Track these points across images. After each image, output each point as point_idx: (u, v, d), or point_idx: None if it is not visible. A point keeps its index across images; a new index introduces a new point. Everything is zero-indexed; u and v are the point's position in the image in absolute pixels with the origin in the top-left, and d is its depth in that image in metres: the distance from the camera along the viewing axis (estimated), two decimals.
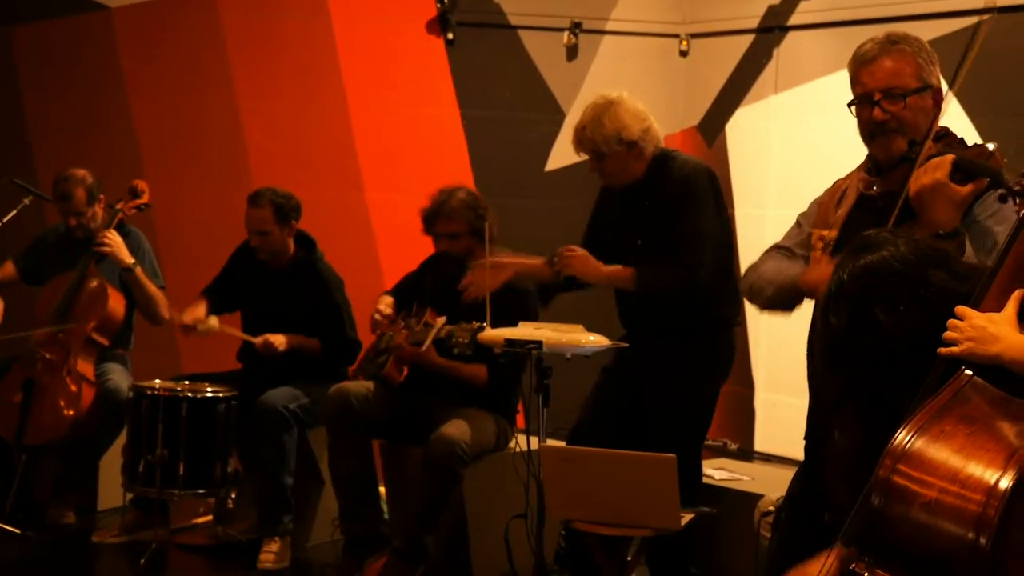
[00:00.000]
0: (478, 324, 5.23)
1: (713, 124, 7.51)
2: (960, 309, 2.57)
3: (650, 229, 5.19)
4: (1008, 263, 2.59)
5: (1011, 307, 2.55)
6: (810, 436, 3.72)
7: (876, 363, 2.66)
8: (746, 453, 6.91)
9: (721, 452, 6.68)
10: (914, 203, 3.22)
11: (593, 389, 5.37)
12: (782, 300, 3.71)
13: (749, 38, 7.30)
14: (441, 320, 5.53)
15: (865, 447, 2.59)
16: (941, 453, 2.38)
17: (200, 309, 6.29)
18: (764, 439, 7.04)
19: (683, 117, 7.59)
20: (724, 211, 5.28)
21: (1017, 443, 2.35)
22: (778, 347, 6.87)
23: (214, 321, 6.25)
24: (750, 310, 6.27)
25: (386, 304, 5.97)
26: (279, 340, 6.12)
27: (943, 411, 2.46)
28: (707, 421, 5.34)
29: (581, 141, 5.22)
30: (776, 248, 3.84)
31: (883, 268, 2.68)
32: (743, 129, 7.34)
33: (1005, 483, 2.28)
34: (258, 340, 6.12)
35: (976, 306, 2.58)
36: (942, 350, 2.56)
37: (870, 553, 2.46)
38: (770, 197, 7.09)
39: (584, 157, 5.31)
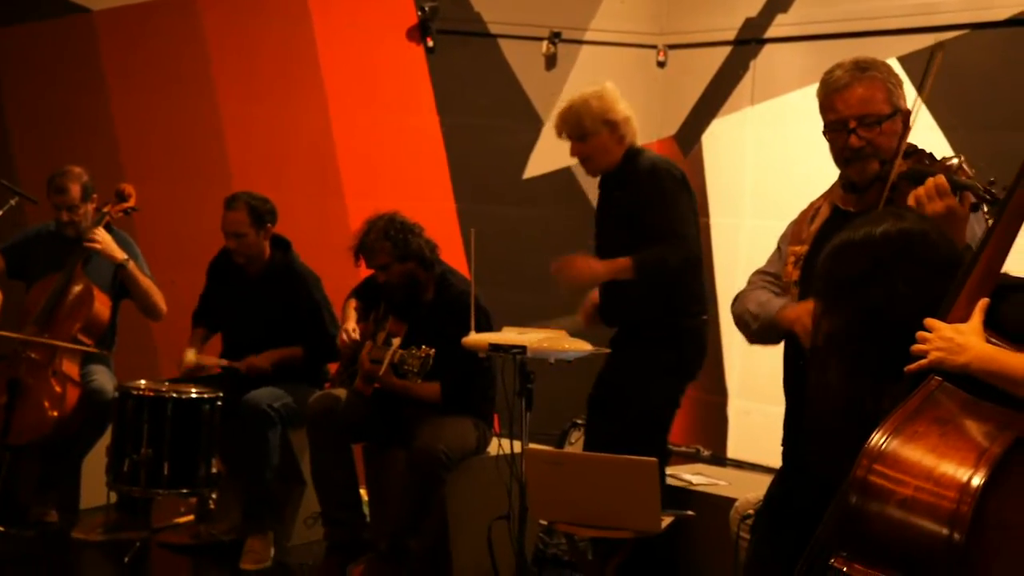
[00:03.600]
0: (427, 350, 5.36)
1: (689, 134, 7.60)
2: (929, 321, 2.67)
3: (615, 218, 5.32)
4: (976, 273, 2.69)
5: (977, 317, 2.65)
6: (787, 441, 3.81)
7: (874, 318, 2.79)
8: (719, 460, 6.98)
9: (694, 459, 6.76)
10: None
11: None
12: (766, 335, 3.78)
13: (726, 50, 7.39)
14: (396, 342, 5.66)
15: (852, 391, 2.77)
16: (915, 453, 2.48)
17: (195, 344, 6.44)
18: (737, 446, 7.12)
19: (660, 127, 7.68)
20: (692, 209, 5.38)
21: (986, 443, 2.46)
22: (751, 355, 6.90)
23: (191, 356, 6.33)
24: (724, 320, 6.39)
25: (352, 327, 6.01)
26: (262, 361, 6.22)
27: (916, 413, 2.56)
28: (666, 421, 5.44)
29: (566, 120, 5.33)
30: (760, 274, 3.91)
31: (923, 241, 2.82)
32: (719, 139, 7.44)
33: (977, 480, 2.39)
34: (242, 365, 6.23)
35: (945, 315, 2.68)
36: (911, 367, 2.66)
37: (849, 549, 2.56)
38: (746, 207, 7.18)
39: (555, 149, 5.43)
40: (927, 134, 5.76)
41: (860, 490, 2.52)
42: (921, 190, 3.25)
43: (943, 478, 2.42)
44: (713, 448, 7.10)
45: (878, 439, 2.53)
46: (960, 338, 2.61)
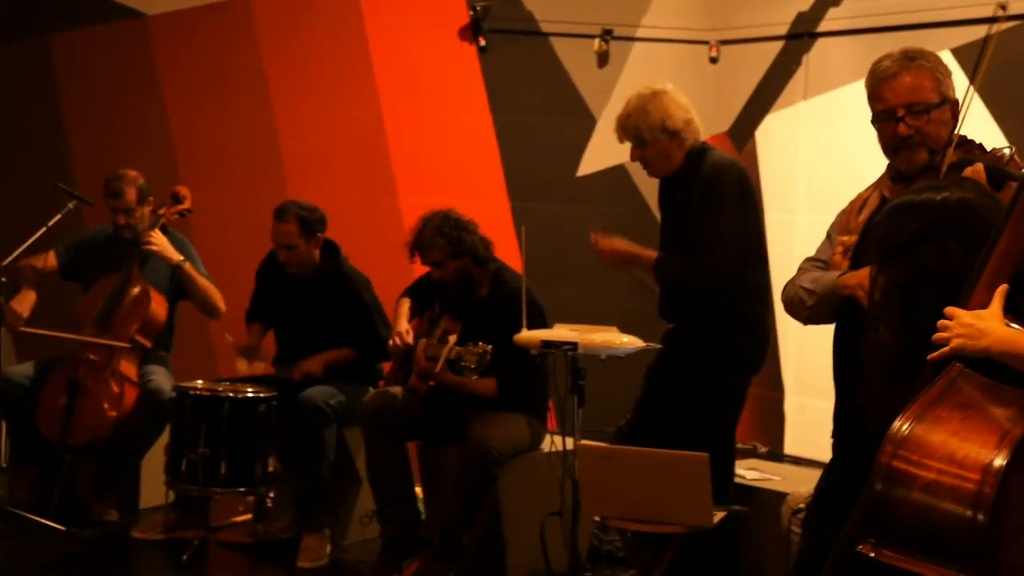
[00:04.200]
0: (484, 346, 5.37)
1: (743, 130, 7.58)
2: (949, 309, 2.71)
3: (678, 220, 5.29)
4: (993, 259, 2.71)
5: (997, 303, 2.67)
6: (838, 434, 3.80)
7: (924, 279, 2.86)
8: (776, 455, 6.96)
9: (751, 455, 6.74)
10: None
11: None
12: (823, 308, 3.73)
13: (779, 44, 7.37)
14: (452, 339, 5.68)
15: (901, 347, 2.82)
16: (938, 437, 2.52)
17: (253, 339, 6.54)
18: (793, 442, 7.09)
19: (713, 123, 7.63)
20: (753, 207, 5.35)
21: (1008, 425, 2.49)
22: (807, 351, 6.92)
23: (243, 365, 6.44)
24: (779, 316, 6.36)
25: (405, 328, 6.00)
26: (315, 366, 6.27)
27: (938, 399, 2.60)
28: (731, 415, 5.37)
29: (625, 128, 5.28)
30: (810, 260, 3.91)
31: (980, 214, 2.87)
32: (773, 135, 7.41)
33: (999, 461, 2.41)
34: (295, 373, 6.27)
35: (966, 300, 2.71)
36: (933, 355, 2.68)
37: (876, 535, 2.59)
38: (800, 202, 7.15)
39: (624, 146, 5.38)
40: (979, 124, 5.72)
41: (885, 476, 2.55)
42: None
43: (966, 461, 2.45)
44: (770, 444, 7.08)
45: (900, 425, 2.57)
46: (980, 323, 2.64)
